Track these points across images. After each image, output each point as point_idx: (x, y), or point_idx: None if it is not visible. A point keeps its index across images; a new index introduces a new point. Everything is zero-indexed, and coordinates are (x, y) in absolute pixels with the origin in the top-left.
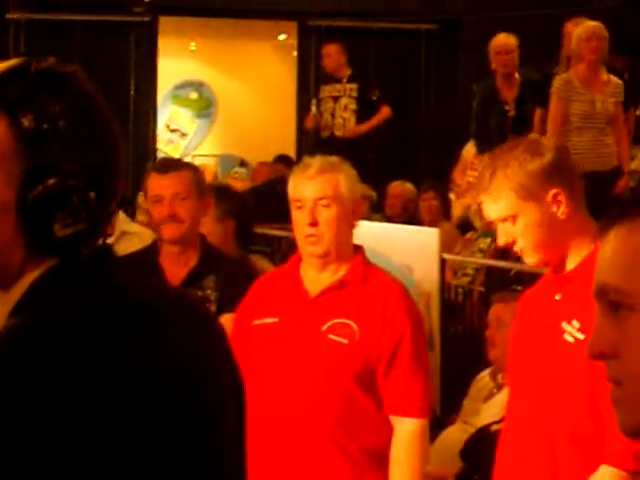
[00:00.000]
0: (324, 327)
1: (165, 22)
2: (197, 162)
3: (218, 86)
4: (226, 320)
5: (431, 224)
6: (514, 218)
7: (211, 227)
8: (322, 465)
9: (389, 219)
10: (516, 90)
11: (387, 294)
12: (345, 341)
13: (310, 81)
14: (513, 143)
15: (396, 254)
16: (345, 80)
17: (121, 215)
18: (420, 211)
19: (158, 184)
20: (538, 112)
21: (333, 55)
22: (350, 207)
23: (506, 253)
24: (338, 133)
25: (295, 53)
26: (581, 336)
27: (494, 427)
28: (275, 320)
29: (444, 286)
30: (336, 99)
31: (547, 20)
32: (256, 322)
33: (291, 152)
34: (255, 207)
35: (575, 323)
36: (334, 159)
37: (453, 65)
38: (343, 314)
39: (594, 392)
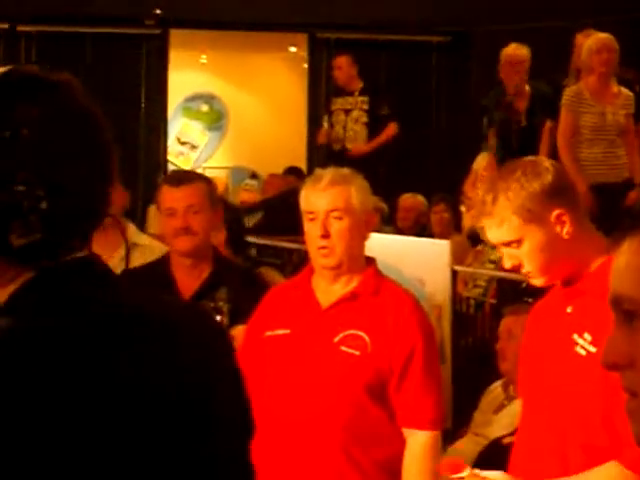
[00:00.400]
0: (336, 339)
1: (176, 35)
2: (208, 174)
3: (229, 98)
4: (238, 332)
5: (442, 236)
6: (519, 242)
7: None
8: (333, 477)
9: (400, 231)
10: (526, 101)
11: (399, 306)
12: (357, 353)
13: (321, 93)
14: (512, 166)
15: (407, 266)
16: (357, 93)
17: (131, 227)
18: (431, 223)
19: (171, 197)
20: (548, 124)
21: (344, 67)
22: (362, 219)
23: None
24: (349, 146)
25: (305, 65)
26: (593, 349)
27: (506, 440)
28: (287, 332)
29: (455, 298)
30: (348, 112)
31: (558, 32)
32: (268, 333)
33: (302, 164)
34: (266, 219)
35: (587, 336)
36: (346, 171)
37: (464, 77)
38: (355, 326)
39: (607, 404)
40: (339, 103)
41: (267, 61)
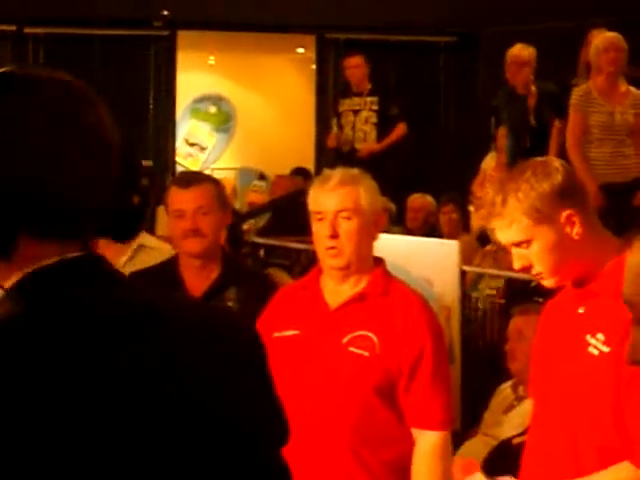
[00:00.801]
0: (345, 340)
1: (184, 36)
2: (216, 175)
3: (237, 100)
4: None
5: (450, 236)
6: (528, 242)
7: None
8: (342, 477)
9: (409, 232)
10: (534, 101)
11: (408, 306)
12: (366, 354)
13: (329, 94)
14: (521, 167)
15: (416, 267)
16: (366, 93)
17: None
18: (440, 224)
19: (180, 198)
20: (556, 124)
21: (360, 67)
22: (371, 219)
23: None
24: (358, 146)
25: (313, 66)
26: (606, 349)
27: (516, 440)
28: (296, 333)
29: (464, 298)
30: (356, 112)
31: (565, 32)
32: (276, 334)
33: (310, 165)
34: (274, 220)
35: (600, 336)
36: (355, 171)
37: (472, 78)
38: (364, 327)
39: (620, 404)
40: (347, 104)
41: (275, 62)
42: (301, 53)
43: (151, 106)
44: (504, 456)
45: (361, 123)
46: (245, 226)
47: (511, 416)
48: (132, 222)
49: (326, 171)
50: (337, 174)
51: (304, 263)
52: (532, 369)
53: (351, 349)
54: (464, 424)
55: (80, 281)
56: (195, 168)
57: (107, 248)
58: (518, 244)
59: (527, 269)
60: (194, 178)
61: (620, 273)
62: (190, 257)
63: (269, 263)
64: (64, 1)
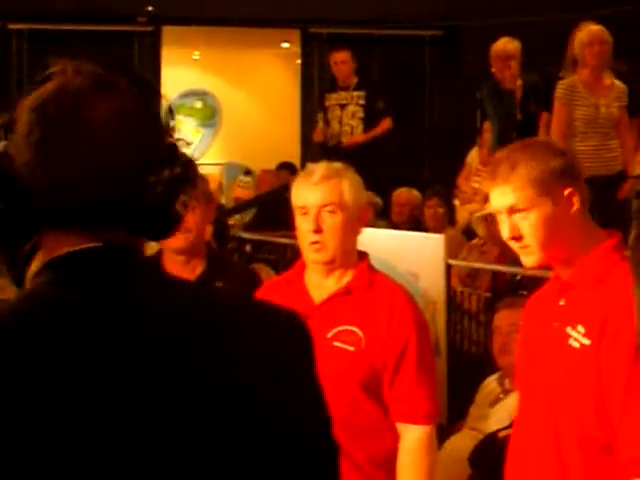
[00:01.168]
0: (329, 334)
1: (168, 32)
2: (202, 171)
3: (222, 95)
4: None
5: (436, 230)
6: (527, 211)
7: None
8: None
9: (395, 226)
10: (520, 94)
11: (392, 300)
12: (351, 348)
13: (314, 89)
14: (529, 141)
15: (402, 261)
16: (352, 88)
17: None
18: (425, 218)
19: None
20: (545, 116)
21: (347, 62)
22: (355, 214)
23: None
24: (345, 140)
25: (298, 61)
26: (587, 341)
27: (502, 433)
28: None
29: (450, 292)
30: (343, 107)
31: (549, 25)
32: None
33: (295, 160)
34: (260, 215)
35: (580, 328)
36: (338, 165)
37: (457, 71)
38: (348, 321)
39: (602, 397)
40: (333, 99)
41: (260, 57)
42: (286, 48)
43: None
44: (490, 450)
45: (348, 117)
46: (231, 221)
47: (497, 409)
48: (159, 220)
49: (309, 165)
50: (320, 168)
51: (290, 258)
52: (517, 362)
53: (336, 344)
54: (450, 418)
55: (81, 272)
56: None
57: None
58: (516, 211)
59: (516, 239)
60: None
61: (600, 265)
62: (174, 252)
63: (255, 258)
64: None
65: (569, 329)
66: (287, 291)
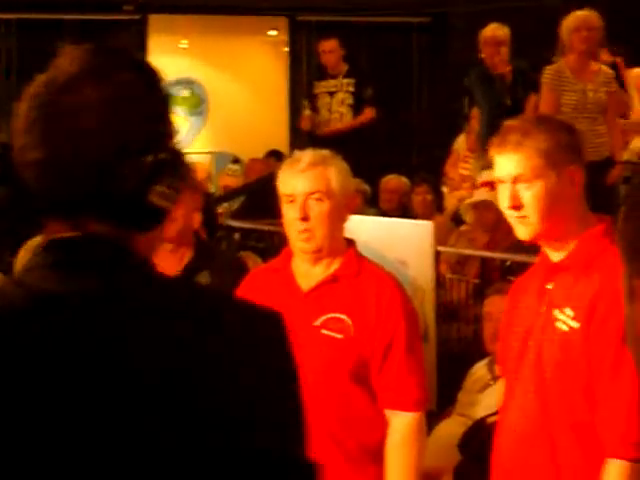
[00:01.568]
0: (317, 322)
1: (155, 20)
2: (190, 160)
3: (210, 83)
4: None
5: (424, 217)
6: (531, 182)
7: None
8: (319, 461)
9: (384, 213)
10: (510, 80)
11: (380, 287)
12: (340, 336)
13: (301, 76)
14: (541, 115)
15: (391, 248)
16: (342, 76)
17: None
18: (413, 205)
19: None
20: (533, 98)
21: (335, 51)
22: (342, 201)
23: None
24: (326, 128)
25: (286, 49)
26: (575, 324)
27: (491, 419)
28: None
29: (439, 278)
30: (332, 94)
31: (540, 11)
32: None
33: (284, 148)
34: (248, 203)
35: (569, 312)
36: (325, 152)
37: (445, 58)
38: (337, 309)
39: (590, 380)
40: (322, 86)
41: (248, 45)
42: (273, 36)
43: None
44: (478, 435)
45: (337, 105)
46: (219, 210)
47: (486, 395)
48: (138, 208)
49: (296, 153)
50: (307, 155)
51: (278, 246)
52: (502, 346)
53: (324, 332)
54: (439, 405)
55: (49, 259)
56: None
57: None
58: (520, 180)
59: (516, 208)
60: None
61: (590, 249)
62: (161, 241)
63: (244, 246)
64: None
65: (557, 312)
66: (274, 279)
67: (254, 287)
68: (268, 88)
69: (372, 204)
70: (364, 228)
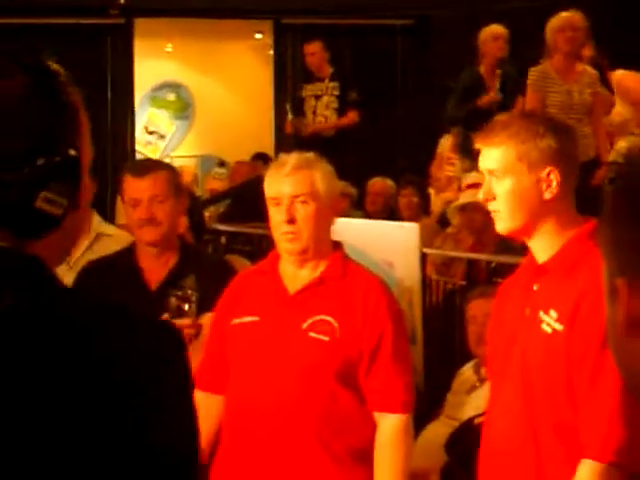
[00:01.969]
0: (304, 325)
1: (140, 24)
2: (176, 163)
3: (196, 87)
4: (206, 320)
5: (410, 220)
6: (503, 176)
7: None
8: (306, 464)
9: (370, 215)
10: (498, 81)
11: (367, 290)
12: (326, 338)
13: (287, 80)
14: (532, 114)
15: (377, 250)
16: (327, 79)
17: (96, 217)
18: (399, 207)
19: (135, 187)
20: (521, 100)
21: (318, 53)
22: (328, 203)
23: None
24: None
25: (271, 52)
26: (559, 326)
27: (477, 420)
28: (255, 319)
29: (425, 280)
30: (318, 97)
31: (530, 13)
32: (236, 321)
33: (270, 151)
34: (234, 206)
35: (553, 313)
36: (310, 155)
37: (428, 60)
38: (323, 311)
39: (572, 382)
40: (309, 89)
41: (233, 48)
42: (259, 39)
43: (109, 95)
44: (465, 437)
45: (322, 108)
46: (206, 213)
47: (473, 397)
48: (27, 218)
49: (281, 156)
50: (292, 159)
51: (265, 249)
52: (489, 348)
53: (311, 334)
54: (427, 406)
55: None
56: (155, 156)
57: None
58: (494, 173)
59: (488, 200)
60: (148, 166)
61: (575, 250)
62: (147, 245)
63: (230, 249)
64: None
65: (542, 314)
66: (261, 282)
67: (241, 290)
68: (254, 91)
69: (358, 207)
70: (350, 231)
